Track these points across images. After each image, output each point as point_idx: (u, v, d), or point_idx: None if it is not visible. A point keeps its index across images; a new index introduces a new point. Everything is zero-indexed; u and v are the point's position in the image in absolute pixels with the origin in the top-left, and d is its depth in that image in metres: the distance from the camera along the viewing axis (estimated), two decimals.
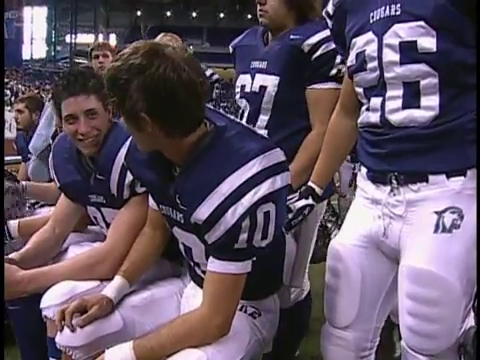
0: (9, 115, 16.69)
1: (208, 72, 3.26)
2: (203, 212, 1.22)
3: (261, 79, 1.91)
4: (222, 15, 46.65)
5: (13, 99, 21.70)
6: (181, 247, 1.51)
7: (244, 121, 1.96)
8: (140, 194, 1.68)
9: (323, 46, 1.79)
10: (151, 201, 1.56)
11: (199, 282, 1.50)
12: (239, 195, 1.19)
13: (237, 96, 2.04)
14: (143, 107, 1.18)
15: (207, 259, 1.33)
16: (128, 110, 1.20)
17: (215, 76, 3.32)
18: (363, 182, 1.44)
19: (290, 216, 1.60)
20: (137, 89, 1.16)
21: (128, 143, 1.55)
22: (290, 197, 1.63)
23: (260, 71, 1.92)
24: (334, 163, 1.69)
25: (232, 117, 1.43)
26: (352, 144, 1.61)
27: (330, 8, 1.48)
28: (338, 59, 1.79)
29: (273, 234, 1.25)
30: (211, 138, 1.27)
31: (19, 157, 3.76)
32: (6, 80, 26.41)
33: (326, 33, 1.78)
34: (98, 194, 1.79)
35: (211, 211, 1.21)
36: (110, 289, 1.52)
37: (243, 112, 2.00)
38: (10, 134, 15.07)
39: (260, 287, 1.46)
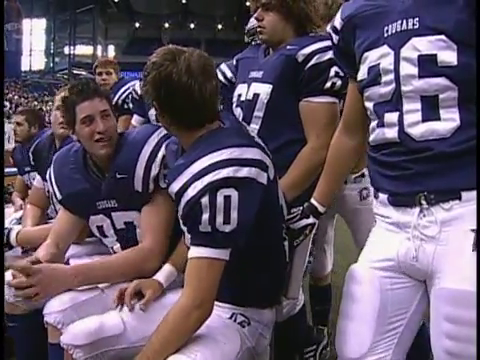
0: (8, 126, 16.72)
1: None
2: (175, 185, 1.39)
3: (255, 87, 1.93)
4: (220, 27, 46.81)
5: (14, 110, 21.73)
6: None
7: None
8: (163, 189, 1.75)
9: (317, 56, 1.82)
10: None
11: None
12: (202, 174, 1.33)
13: (234, 105, 2.07)
14: (153, 96, 1.44)
15: None
16: (145, 95, 1.47)
17: None
18: (383, 209, 1.39)
19: (292, 236, 1.62)
20: (149, 81, 1.42)
21: (151, 141, 1.80)
22: (290, 216, 1.66)
23: (256, 80, 1.95)
24: (336, 182, 1.68)
25: (243, 123, 1.63)
26: (354, 163, 1.62)
27: (338, 23, 1.46)
28: (332, 72, 1.82)
29: (237, 221, 1.32)
30: (209, 133, 1.45)
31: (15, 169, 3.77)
32: (5, 91, 26.45)
33: (321, 44, 1.83)
34: (109, 198, 1.84)
35: (180, 185, 1.37)
36: (161, 275, 1.71)
37: None
38: (9, 145, 15.10)
39: (250, 295, 1.51)
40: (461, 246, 1.22)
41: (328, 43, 1.81)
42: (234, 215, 1.32)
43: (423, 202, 1.27)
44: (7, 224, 2.82)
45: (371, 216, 2.38)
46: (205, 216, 1.31)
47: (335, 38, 1.50)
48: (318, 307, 2.61)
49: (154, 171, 1.77)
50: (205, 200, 1.31)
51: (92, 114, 1.77)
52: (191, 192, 1.33)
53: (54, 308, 1.64)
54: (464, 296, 1.19)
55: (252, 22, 3.07)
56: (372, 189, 2.38)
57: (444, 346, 1.22)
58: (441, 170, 1.25)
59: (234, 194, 1.32)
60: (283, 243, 1.57)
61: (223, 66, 3.02)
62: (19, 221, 2.83)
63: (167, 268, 1.73)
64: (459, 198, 1.23)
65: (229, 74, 2.96)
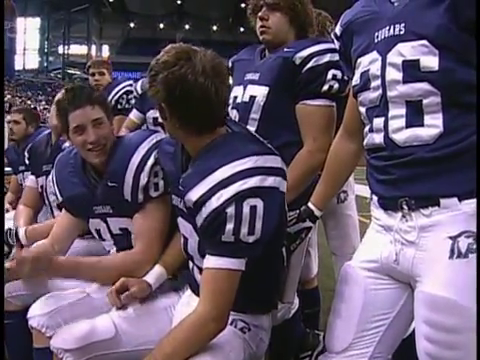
0: None
1: None
2: (194, 194, 1.31)
3: (252, 89, 1.92)
4: (215, 28, 46.93)
5: (7, 109, 21.63)
6: (182, 240, 1.58)
7: None
8: (154, 199, 1.73)
9: (314, 59, 1.80)
10: None
11: (194, 287, 1.55)
12: (228, 183, 1.28)
13: (229, 107, 2.04)
14: (162, 98, 1.35)
15: (199, 252, 1.41)
16: (154, 97, 1.38)
17: None
18: (375, 210, 1.41)
19: (289, 240, 1.60)
20: (160, 81, 1.33)
21: (140, 149, 1.72)
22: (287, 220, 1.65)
23: (252, 82, 1.93)
24: (335, 186, 1.68)
25: (248, 128, 1.60)
26: (354, 167, 1.62)
27: (338, 29, 1.50)
28: (329, 75, 1.81)
29: (261, 232, 1.29)
30: (222, 138, 1.39)
31: (10, 169, 3.76)
32: None
33: (318, 47, 1.82)
34: (104, 204, 1.82)
35: (201, 194, 1.30)
36: (150, 276, 1.66)
37: None
38: None
39: (253, 301, 1.49)
40: (438, 253, 1.22)
41: (326, 46, 1.82)
42: (258, 225, 1.28)
43: (404, 207, 1.28)
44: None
45: (347, 222, 2.42)
46: (229, 226, 1.27)
47: (337, 44, 1.53)
48: (308, 310, 2.59)
49: (143, 181, 1.71)
50: (231, 210, 1.26)
51: (83, 123, 1.72)
52: (216, 202, 1.27)
53: (38, 311, 1.62)
54: (440, 302, 1.20)
55: None
56: (351, 193, 2.44)
57: (424, 348, 1.25)
58: (421, 176, 1.25)
59: (260, 204, 1.27)
60: (282, 248, 1.56)
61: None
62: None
63: (157, 270, 1.68)
64: (438, 205, 1.23)
65: None
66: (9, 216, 2.82)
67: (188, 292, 1.65)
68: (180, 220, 1.54)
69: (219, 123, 1.41)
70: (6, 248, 2.21)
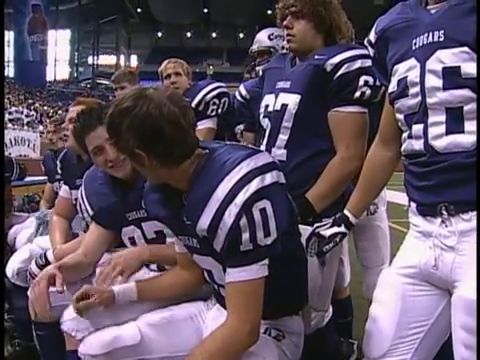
0: (33, 135, 16.99)
1: (209, 87, 2.98)
2: (204, 221, 1.30)
3: (283, 98, 1.91)
4: (242, 35, 47.06)
5: (39, 119, 22.12)
6: (205, 274, 1.56)
7: (265, 140, 1.98)
8: None
9: (345, 65, 1.79)
10: (176, 244, 1.63)
11: (223, 303, 1.52)
12: (232, 197, 1.26)
13: (261, 116, 2.05)
14: (135, 144, 1.32)
15: None
16: (124, 148, 1.35)
17: (215, 91, 2.97)
18: (414, 217, 1.41)
19: (323, 243, 1.60)
20: (127, 129, 1.31)
21: None
22: (322, 224, 1.64)
23: (284, 90, 1.93)
24: (370, 194, 1.67)
25: (227, 142, 1.53)
26: (390, 175, 1.60)
27: (372, 36, 1.50)
28: (361, 81, 1.80)
29: (276, 230, 1.28)
30: (205, 159, 1.37)
31: (45, 177, 3.82)
32: (30, 101, 26.97)
33: (349, 53, 1.81)
34: (139, 209, 1.85)
35: (211, 218, 1.28)
36: (118, 287, 1.63)
37: (265, 132, 2.01)
38: (34, 154, 15.33)
39: (283, 304, 1.48)
40: (477, 257, 1.22)
41: (357, 52, 1.80)
42: (272, 225, 1.28)
43: (444, 212, 1.29)
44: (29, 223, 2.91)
45: (377, 234, 2.38)
46: (245, 235, 1.26)
47: (371, 51, 1.53)
48: (340, 320, 2.56)
49: None
50: (243, 221, 1.25)
51: (100, 144, 1.79)
52: (228, 219, 1.26)
53: (68, 317, 1.66)
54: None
55: (259, 42, 3.06)
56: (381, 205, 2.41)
57: (461, 354, 1.24)
58: (460, 181, 1.26)
59: (268, 204, 1.27)
60: (300, 241, 1.55)
61: (240, 87, 3.07)
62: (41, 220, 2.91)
63: (130, 285, 1.65)
64: (478, 209, 1.23)
65: (244, 92, 2.99)
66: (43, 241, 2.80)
67: (218, 305, 1.64)
68: (196, 257, 1.52)
69: (195, 145, 1.39)
70: (38, 269, 2.25)
